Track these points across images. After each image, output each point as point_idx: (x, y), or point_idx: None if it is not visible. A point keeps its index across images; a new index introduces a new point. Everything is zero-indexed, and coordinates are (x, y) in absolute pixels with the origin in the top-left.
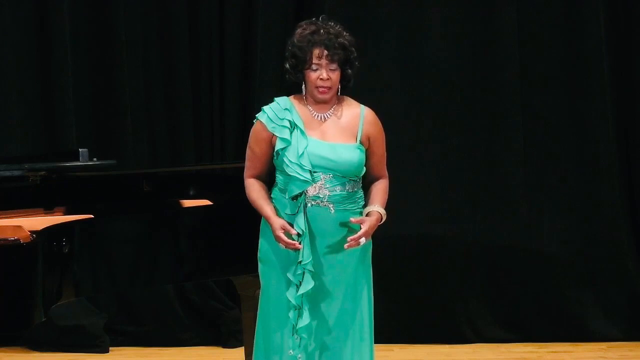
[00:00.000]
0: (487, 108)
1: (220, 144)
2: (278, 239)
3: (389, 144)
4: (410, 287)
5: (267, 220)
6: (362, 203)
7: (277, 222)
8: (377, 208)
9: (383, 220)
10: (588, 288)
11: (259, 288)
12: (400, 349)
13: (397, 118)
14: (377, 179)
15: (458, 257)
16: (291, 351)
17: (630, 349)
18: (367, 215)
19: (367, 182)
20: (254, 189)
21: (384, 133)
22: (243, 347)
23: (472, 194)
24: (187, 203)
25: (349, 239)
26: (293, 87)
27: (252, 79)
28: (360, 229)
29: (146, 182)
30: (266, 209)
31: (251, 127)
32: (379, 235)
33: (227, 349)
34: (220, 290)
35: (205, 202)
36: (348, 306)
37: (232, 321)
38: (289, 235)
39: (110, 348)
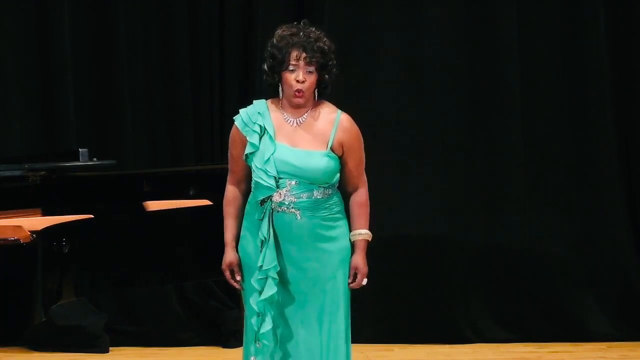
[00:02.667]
0: (487, 108)
1: (220, 143)
2: (223, 272)
3: (389, 144)
4: (410, 287)
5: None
6: (338, 208)
7: (227, 258)
8: (359, 236)
9: (369, 240)
10: (588, 288)
11: None
12: (400, 349)
13: (396, 118)
14: (354, 188)
15: (458, 257)
16: (253, 357)
17: (630, 349)
18: (353, 241)
19: (346, 192)
20: (226, 203)
21: (361, 139)
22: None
23: (472, 194)
24: (187, 203)
25: (350, 286)
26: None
27: (252, 79)
28: (357, 274)
29: (146, 182)
30: (227, 234)
31: None
32: (378, 236)
33: (227, 349)
34: (220, 290)
35: (205, 202)
36: (316, 313)
37: (232, 321)
38: (232, 275)
39: (110, 348)
